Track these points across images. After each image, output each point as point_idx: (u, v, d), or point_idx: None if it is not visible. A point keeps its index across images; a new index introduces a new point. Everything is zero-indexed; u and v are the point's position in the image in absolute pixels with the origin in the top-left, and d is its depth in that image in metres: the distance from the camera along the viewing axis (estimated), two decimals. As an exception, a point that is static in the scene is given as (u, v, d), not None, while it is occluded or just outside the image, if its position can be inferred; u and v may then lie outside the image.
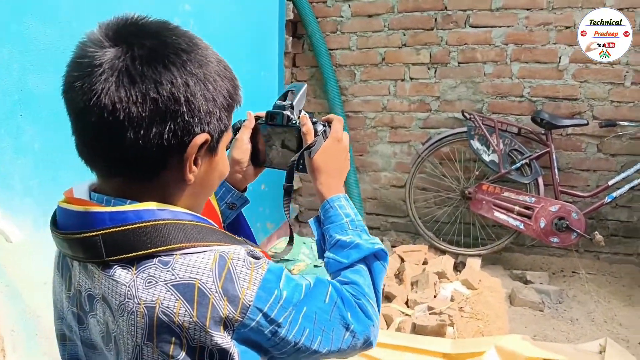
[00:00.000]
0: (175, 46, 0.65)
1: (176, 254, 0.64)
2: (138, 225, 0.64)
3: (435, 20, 3.55)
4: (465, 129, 3.44)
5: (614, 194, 3.17)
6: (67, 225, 0.68)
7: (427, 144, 3.52)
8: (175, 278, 0.62)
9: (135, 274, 0.63)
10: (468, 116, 3.42)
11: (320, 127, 0.94)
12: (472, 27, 3.49)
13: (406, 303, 3.01)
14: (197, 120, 0.66)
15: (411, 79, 3.68)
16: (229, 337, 0.64)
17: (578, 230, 3.13)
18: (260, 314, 0.65)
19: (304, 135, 0.92)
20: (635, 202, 3.44)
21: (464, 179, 3.60)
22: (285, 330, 0.68)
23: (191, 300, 0.62)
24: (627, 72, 3.30)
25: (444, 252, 3.54)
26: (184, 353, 0.62)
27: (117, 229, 0.63)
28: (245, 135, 0.97)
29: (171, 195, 0.70)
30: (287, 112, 0.93)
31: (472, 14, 3.48)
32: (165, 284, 0.62)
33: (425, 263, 3.42)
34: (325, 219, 0.90)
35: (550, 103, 3.45)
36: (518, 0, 3.38)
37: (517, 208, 3.26)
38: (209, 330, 0.62)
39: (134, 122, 0.62)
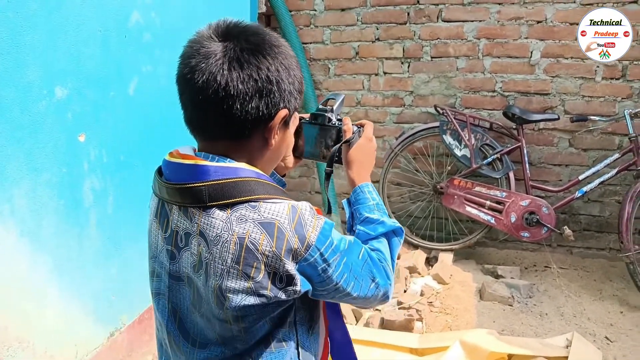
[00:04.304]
0: (270, 42, 0.84)
1: (260, 202, 0.82)
2: (234, 179, 0.82)
3: (408, 14, 3.53)
4: (437, 123, 3.43)
5: (585, 189, 3.18)
6: (176, 176, 0.85)
7: (400, 138, 3.50)
8: (261, 217, 0.81)
9: (229, 213, 0.81)
10: (440, 111, 3.41)
11: (355, 128, 1.15)
12: (445, 21, 3.48)
13: (376, 298, 2.99)
14: (282, 98, 0.85)
15: (385, 73, 3.66)
16: (294, 267, 0.82)
17: (548, 225, 3.13)
18: (318, 253, 0.84)
19: (344, 132, 1.12)
20: (607, 197, 3.45)
21: (436, 174, 3.59)
22: (332, 270, 0.86)
23: (272, 235, 0.80)
24: (597, 67, 3.30)
25: (416, 246, 3.53)
26: (261, 275, 0.80)
27: (219, 182, 0.81)
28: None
29: (255, 157, 0.89)
30: (329, 114, 1.13)
31: (444, 8, 3.46)
32: (254, 221, 0.80)
33: (398, 258, 3.41)
34: (356, 200, 1.08)
35: (522, 98, 3.45)
36: (490, -6, 3.37)
37: (488, 203, 3.26)
38: (282, 258, 0.81)
39: (240, 96, 0.80)
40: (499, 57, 3.44)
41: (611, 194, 3.43)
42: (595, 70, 3.31)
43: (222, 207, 0.81)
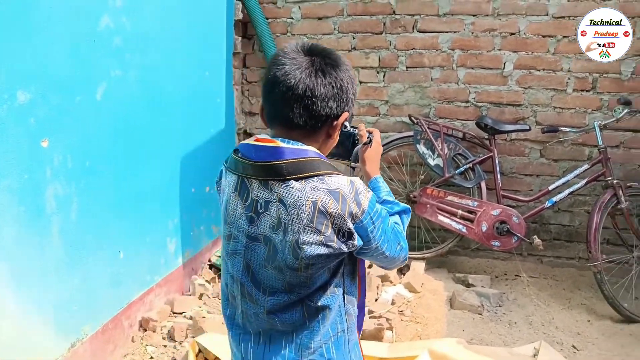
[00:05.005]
0: (341, 60, 1.12)
1: (326, 176, 1.06)
2: (307, 159, 1.07)
3: (384, 24, 3.55)
4: (412, 133, 3.45)
5: (555, 199, 3.23)
6: (259, 156, 1.08)
7: (375, 147, 3.51)
8: (329, 187, 1.05)
9: (304, 184, 1.05)
10: (415, 120, 3.43)
11: (367, 134, 1.40)
12: (420, 32, 3.51)
13: (348, 307, 2.98)
14: (347, 103, 1.12)
15: (360, 82, 3.67)
16: (353, 226, 1.07)
17: (518, 234, 3.17)
18: (369, 217, 1.09)
19: (360, 137, 1.36)
20: (576, 207, 3.51)
21: (410, 183, 3.61)
22: (376, 231, 1.11)
23: (337, 200, 1.05)
24: (569, 79, 3.36)
25: (389, 255, 3.53)
26: (329, 231, 1.05)
27: (295, 160, 1.05)
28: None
29: (320, 145, 1.14)
30: (346, 123, 1.40)
31: (419, 18, 3.49)
32: (324, 190, 1.05)
33: (370, 266, 3.40)
34: (373, 188, 1.32)
35: (494, 108, 3.49)
36: (464, 6, 3.41)
37: (460, 212, 3.28)
38: (345, 218, 1.05)
39: (321, 97, 1.06)
40: (472, 68, 3.48)
41: (580, 204, 3.49)
42: (567, 82, 3.37)
43: (298, 180, 1.05)
